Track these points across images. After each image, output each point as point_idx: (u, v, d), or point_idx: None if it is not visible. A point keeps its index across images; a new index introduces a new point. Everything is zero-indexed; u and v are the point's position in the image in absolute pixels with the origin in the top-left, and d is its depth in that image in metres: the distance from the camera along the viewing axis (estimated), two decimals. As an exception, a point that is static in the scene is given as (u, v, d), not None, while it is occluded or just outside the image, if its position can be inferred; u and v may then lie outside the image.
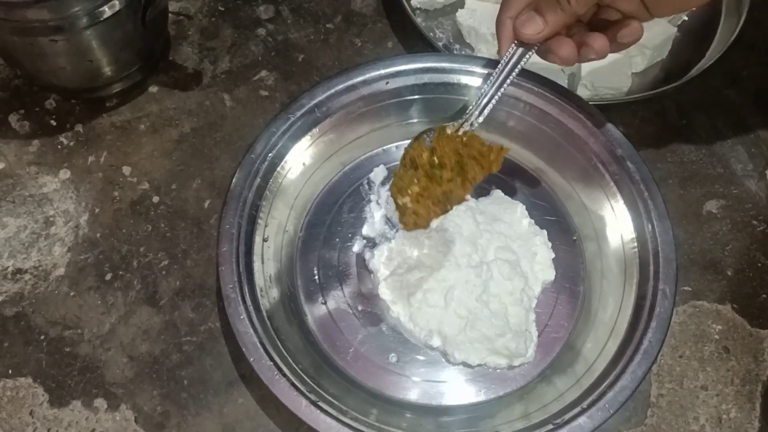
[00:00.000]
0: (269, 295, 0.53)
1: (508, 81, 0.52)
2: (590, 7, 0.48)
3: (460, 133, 0.52)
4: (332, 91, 0.59)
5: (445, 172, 0.51)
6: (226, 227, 0.53)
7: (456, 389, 0.53)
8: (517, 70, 0.52)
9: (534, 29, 0.48)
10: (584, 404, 0.48)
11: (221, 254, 0.52)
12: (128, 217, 0.61)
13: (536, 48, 0.50)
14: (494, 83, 0.52)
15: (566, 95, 0.59)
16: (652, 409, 0.54)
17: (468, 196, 0.52)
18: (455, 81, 0.61)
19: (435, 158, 0.51)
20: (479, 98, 0.53)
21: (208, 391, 0.54)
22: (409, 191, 0.50)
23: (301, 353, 0.52)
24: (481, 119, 0.52)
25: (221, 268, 0.51)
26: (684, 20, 0.71)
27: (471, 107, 0.53)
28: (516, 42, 0.50)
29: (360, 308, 0.56)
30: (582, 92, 0.66)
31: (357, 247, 0.58)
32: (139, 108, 0.66)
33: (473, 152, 0.52)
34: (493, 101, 0.52)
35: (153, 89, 0.67)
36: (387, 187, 0.61)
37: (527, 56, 0.51)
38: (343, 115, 0.60)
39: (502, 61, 0.52)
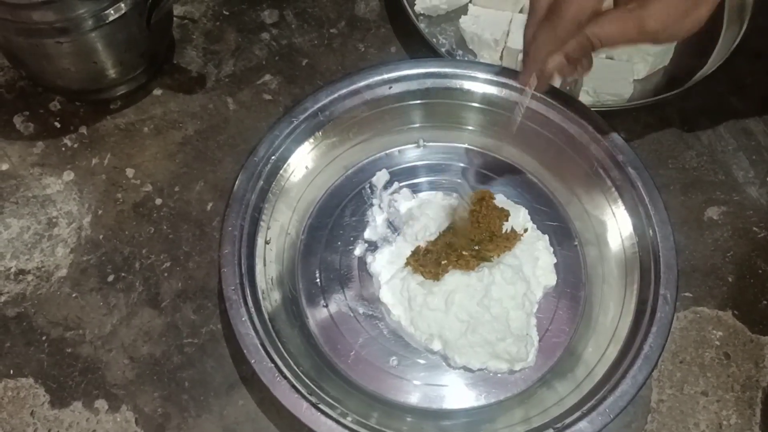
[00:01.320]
0: (271, 297, 0.54)
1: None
2: None
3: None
4: (335, 95, 0.60)
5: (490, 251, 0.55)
6: (228, 229, 0.53)
7: (457, 393, 0.53)
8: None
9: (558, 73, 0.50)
10: (584, 409, 0.48)
11: (223, 256, 0.52)
12: (131, 218, 0.61)
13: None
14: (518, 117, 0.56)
15: (568, 101, 0.59)
16: (653, 415, 0.54)
17: None
18: (458, 86, 0.61)
19: (482, 230, 0.55)
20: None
21: (209, 393, 0.54)
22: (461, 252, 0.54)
23: (302, 356, 0.52)
24: None
25: (223, 270, 0.51)
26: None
27: None
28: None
29: (361, 311, 0.56)
30: (584, 98, 0.66)
31: (359, 250, 0.59)
32: (142, 110, 0.67)
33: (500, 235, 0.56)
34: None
35: (157, 92, 0.68)
36: (389, 191, 0.61)
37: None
38: (346, 119, 0.60)
39: (527, 94, 0.53)
